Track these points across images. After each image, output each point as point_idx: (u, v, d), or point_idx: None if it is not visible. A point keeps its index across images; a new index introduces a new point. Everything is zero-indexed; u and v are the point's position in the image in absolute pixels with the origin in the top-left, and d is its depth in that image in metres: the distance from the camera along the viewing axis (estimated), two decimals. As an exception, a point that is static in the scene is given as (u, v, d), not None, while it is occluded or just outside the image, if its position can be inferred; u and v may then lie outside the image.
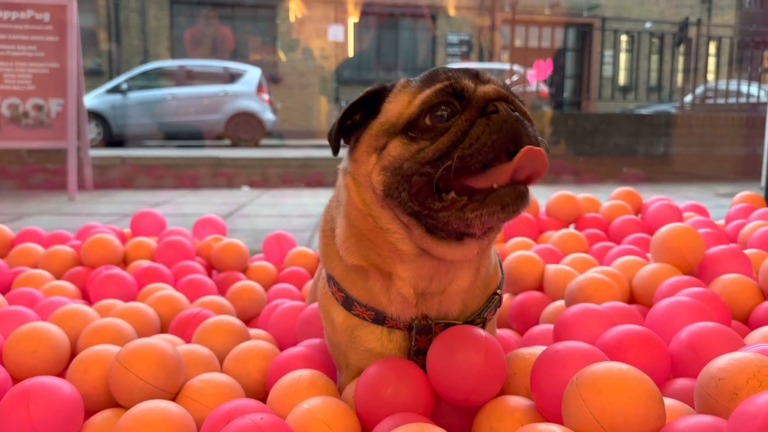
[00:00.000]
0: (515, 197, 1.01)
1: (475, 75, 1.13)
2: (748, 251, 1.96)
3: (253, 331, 1.73)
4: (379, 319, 1.24)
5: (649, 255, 2.04)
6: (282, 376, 1.32)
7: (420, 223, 1.10)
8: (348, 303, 1.27)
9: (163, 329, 1.80)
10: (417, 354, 1.24)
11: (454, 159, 1.01)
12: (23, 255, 2.32)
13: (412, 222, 1.10)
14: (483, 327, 1.28)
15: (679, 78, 11.81)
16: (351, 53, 19.70)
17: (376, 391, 1.16)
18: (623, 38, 13.13)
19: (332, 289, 1.31)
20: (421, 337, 1.23)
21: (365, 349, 1.27)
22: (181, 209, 5.20)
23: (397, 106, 1.13)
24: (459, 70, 1.13)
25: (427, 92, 1.09)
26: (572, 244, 2.28)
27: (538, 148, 1.00)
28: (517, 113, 1.05)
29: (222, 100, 12.71)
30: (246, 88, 12.93)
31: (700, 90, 10.89)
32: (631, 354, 1.27)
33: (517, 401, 1.16)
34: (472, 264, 1.21)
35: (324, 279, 1.36)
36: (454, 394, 1.16)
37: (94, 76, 16.48)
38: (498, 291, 1.31)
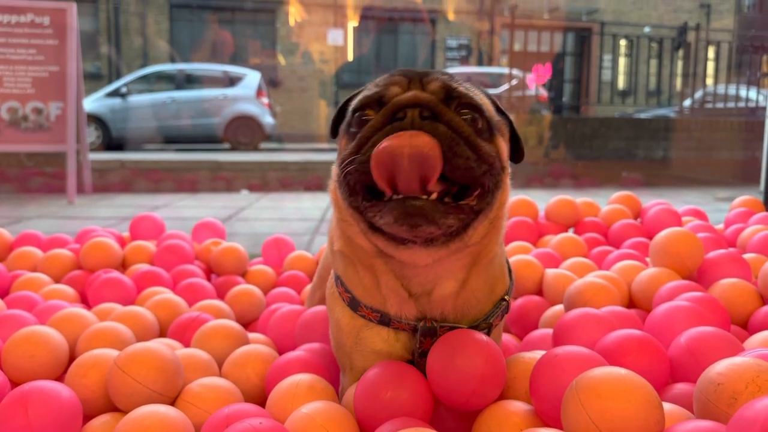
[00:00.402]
0: (404, 212, 0.98)
1: (419, 79, 1.11)
2: (747, 256, 1.97)
3: (252, 335, 1.73)
4: (385, 320, 1.24)
5: (648, 259, 2.04)
6: (281, 381, 1.32)
7: (362, 218, 1.10)
8: (354, 304, 1.27)
9: (162, 333, 1.80)
10: (421, 357, 1.24)
11: (355, 163, 1.03)
12: (22, 258, 2.32)
13: (355, 215, 1.11)
14: (489, 333, 1.28)
15: (678, 82, 11.83)
16: (350, 57, 19.74)
17: (375, 394, 1.16)
18: (622, 43, 13.17)
19: (339, 289, 1.31)
20: (425, 339, 1.23)
21: (371, 350, 1.27)
22: (180, 213, 5.20)
23: (352, 106, 1.17)
24: (407, 73, 1.13)
25: (360, 96, 1.13)
26: (571, 248, 2.28)
27: (393, 141, 0.95)
28: (435, 122, 1.02)
29: (221, 104, 12.72)
30: (245, 92, 12.95)
31: (699, 94, 10.90)
32: (630, 359, 1.27)
33: (516, 406, 1.16)
34: (454, 275, 1.19)
35: (332, 278, 1.37)
36: (454, 397, 1.16)
37: (94, 80, 16.50)
38: (506, 297, 1.31)
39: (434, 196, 1.00)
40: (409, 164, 0.95)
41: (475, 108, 1.09)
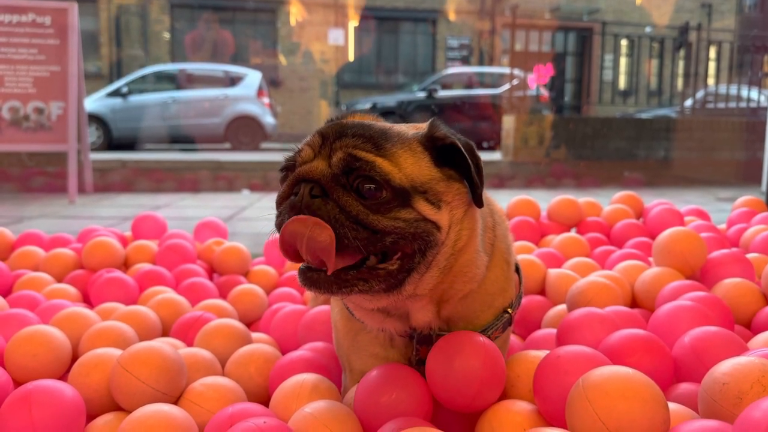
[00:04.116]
0: (304, 280, 1.07)
1: (331, 143, 1.10)
2: (750, 255, 1.96)
3: (254, 335, 1.73)
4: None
5: (651, 259, 2.04)
6: (284, 380, 1.32)
7: None
8: None
9: (165, 333, 1.80)
10: (419, 363, 1.24)
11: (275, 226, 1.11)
12: (24, 258, 2.32)
13: None
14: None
15: (679, 82, 11.81)
16: (351, 57, 19.73)
17: (376, 397, 1.16)
18: (623, 42, 13.16)
19: None
20: (422, 347, 1.23)
21: (369, 353, 1.28)
22: (182, 212, 5.20)
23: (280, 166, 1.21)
24: (325, 133, 1.13)
25: (285, 157, 1.17)
26: (574, 248, 2.28)
27: (292, 227, 1.01)
28: (325, 200, 1.04)
29: (222, 104, 12.71)
30: (246, 92, 12.94)
31: (700, 94, 10.89)
32: (635, 358, 1.27)
33: (519, 405, 1.16)
34: (422, 309, 1.19)
35: None
36: (455, 400, 1.16)
37: (95, 79, 16.49)
38: (509, 310, 1.31)
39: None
40: (306, 251, 1.02)
41: (375, 180, 1.05)
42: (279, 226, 1.08)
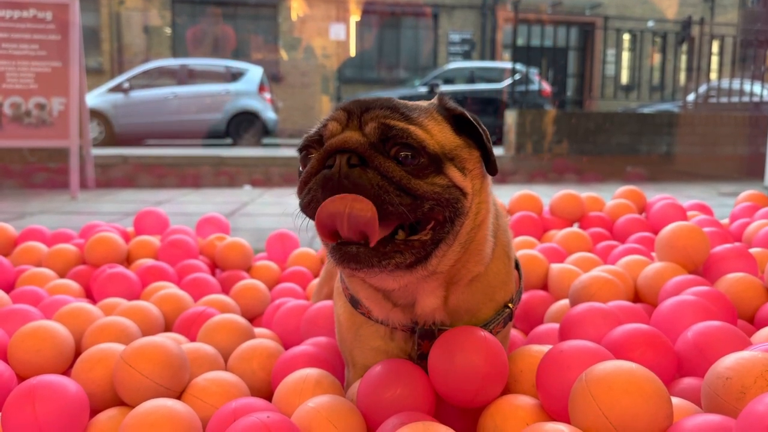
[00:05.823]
0: (341, 256, 1.04)
1: (359, 115, 1.11)
2: (753, 250, 1.96)
3: (257, 330, 1.73)
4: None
5: (653, 254, 2.04)
6: (287, 375, 1.33)
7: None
8: (354, 301, 1.29)
9: (168, 328, 1.80)
10: (421, 358, 1.24)
11: (300, 206, 1.09)
12: (27, 253, 2.32)
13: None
14: None
15: (682, 77, 11.78)
16: (353, 52, 19.68)
17: (379, 392, 1.16)
18: (626, 37, 13.11)
19: (342, 285, 1.33)
20: (424, 341, 1.24)
21: (370, 347, 1.28)
22: (183, 208, 5.20)
23: (299, 146, 1.20)
24: (349, 107, 1.13)
25: (305, 136, 1.16)
26: (576, 243, 2.28)
27: (331, 207, 1.00)
28: (364, 168, 1.03)
29: (224, 99, 12.71)
30: (248, 87, 12.93)
31: (702, 89, 10.85)
32: (638, 353, 1.27)
33: (523, 400, 1.16)
34: (432, 293, 1.20)
35: (340, 274, 1.38)
36: (458, 395, 1.16)
37: (96, 75, 16.48)
38: (510, 305, 1.31)
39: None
40: (348, 228, 1.00)
41: (413, 146, 1.07)
42: (309, 203, 1.06)
